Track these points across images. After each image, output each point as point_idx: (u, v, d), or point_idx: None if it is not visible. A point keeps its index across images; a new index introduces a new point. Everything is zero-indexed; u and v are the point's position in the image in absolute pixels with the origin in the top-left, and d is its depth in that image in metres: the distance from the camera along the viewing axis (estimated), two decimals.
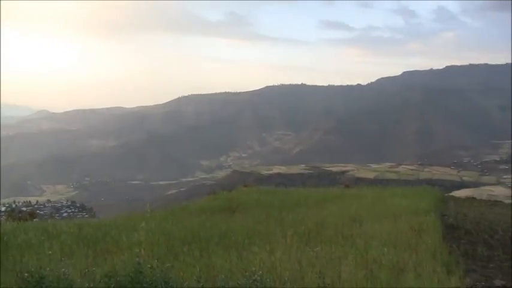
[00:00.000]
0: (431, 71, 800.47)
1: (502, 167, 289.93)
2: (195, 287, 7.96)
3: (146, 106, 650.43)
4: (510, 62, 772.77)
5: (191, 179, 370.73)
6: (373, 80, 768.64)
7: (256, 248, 11.87)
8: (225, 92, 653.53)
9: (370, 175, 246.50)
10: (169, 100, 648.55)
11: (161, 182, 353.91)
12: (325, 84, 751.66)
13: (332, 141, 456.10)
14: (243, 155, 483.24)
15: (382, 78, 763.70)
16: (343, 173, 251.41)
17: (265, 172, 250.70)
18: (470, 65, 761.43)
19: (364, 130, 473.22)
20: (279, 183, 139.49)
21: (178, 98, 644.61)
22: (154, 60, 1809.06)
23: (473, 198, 26.04)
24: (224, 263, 10.46)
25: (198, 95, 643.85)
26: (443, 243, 11.29)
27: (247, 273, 7.84)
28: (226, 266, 10.17)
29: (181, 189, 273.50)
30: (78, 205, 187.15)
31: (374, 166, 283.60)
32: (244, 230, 14.80)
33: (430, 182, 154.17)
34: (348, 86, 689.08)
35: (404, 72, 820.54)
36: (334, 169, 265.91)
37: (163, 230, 14.59)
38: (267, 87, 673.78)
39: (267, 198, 23.35)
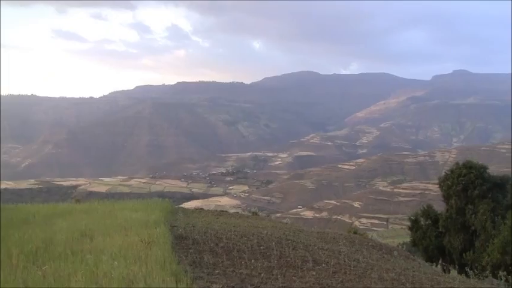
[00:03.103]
0: (163, 86, 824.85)
1: (228, 178, 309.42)
2: None
3: None
4: (234, 80, 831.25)
5: None
6: (107, 93, 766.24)
7: None
8: None
9: (103, 189, 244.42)
10: None
11: None
12: (57, 95, 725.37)
13: (63, 154, 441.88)
14: None
15: (116, 91, 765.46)
16: (74, 187, 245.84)
17: None
18: (200, 82, 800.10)
19: (96, 143, 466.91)
20: (5, 199, 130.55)
21: None
22: None
23: (202, 209, 27.23)
24: None
25: None
26: (172, 254, 11.57)
27: None
28: None
29: None
30: None
31: (106, 180, 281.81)
32: None
33: (161, 195, 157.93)
34: (80, 98, 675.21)
35: (137, 87, 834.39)
36: (65, 183, 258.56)
37: None
38: None
39: None
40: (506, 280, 15.95)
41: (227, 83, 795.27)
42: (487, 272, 19.08)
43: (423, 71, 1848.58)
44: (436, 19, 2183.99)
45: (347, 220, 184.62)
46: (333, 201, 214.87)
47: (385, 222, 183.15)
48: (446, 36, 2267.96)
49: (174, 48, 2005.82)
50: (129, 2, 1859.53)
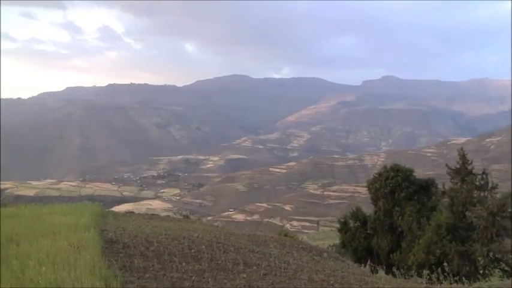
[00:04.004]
0: (94, 88, 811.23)
1: (159, 182, 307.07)
2: None
3: None
4: (166, 83, 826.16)
5: None
6: (35, 94, 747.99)
7: None
8: None
9: (31, 192, 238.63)
10: None
11: None
12: None
13: None
14: None
15: (45, 92, 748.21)
16: (1, 191, 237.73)
17: None
18: (132, 84, 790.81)
19: (24, 145, 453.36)
20: None
21: None
22: None
23: (132, 213, 26.93)
24: None
25: None
26: (102, 258, 11.43)
27: None
28: None
29: None
30: None
31: (34, 183, 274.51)
32: None
33: (92, 198, 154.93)
34: (8, 99, 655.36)
35: (67, 88, 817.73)
36: None
37: None
38: None
39: None
40: (430, 278, 16.50)
41: (159, 86, 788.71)
42: (413, 271, 19.68)
43: (353, 76, 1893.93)
44: (366, 26, 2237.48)
45: (278, 223, 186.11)
46: (264, 204, 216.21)
47: (315, 225, 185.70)
48: (376, 42, 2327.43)
49: (106, 49, 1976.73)
50: (60, 2, 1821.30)
